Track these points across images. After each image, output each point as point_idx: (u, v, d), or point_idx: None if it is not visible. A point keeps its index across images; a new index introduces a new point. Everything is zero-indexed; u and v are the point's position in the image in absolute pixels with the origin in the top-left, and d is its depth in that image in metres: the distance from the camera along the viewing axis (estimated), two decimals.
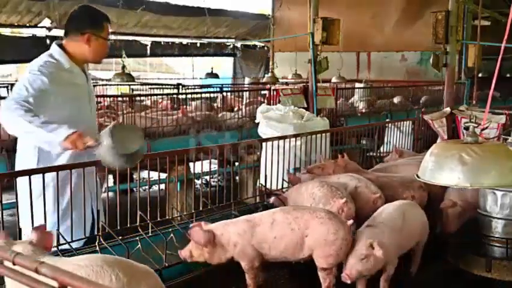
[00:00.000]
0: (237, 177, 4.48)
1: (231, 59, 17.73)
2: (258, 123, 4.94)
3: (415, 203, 3.05)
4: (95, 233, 2.81)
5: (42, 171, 2.62)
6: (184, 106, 6.47)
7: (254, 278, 2.48)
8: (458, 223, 3.26)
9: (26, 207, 2.52)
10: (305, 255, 2.47)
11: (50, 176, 2.65)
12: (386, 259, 2.46)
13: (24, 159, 3.01)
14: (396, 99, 9.75)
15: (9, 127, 2.71)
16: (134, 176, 5.26)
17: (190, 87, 10.45)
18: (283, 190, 3.52)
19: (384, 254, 2.41)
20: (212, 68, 14.36)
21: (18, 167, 3.03)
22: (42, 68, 2.87)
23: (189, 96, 8.21)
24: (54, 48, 3.03)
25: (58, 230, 2.61)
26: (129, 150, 2.52)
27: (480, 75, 8.75)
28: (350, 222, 2.49)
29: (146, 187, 3.20)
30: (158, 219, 2.99)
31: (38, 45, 11.80)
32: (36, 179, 2.54)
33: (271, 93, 7.30)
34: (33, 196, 2.51)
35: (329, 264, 2.42)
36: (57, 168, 2.68)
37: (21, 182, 2.52)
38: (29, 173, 2.55)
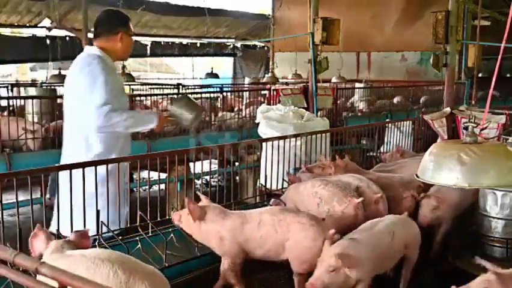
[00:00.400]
0: (237, 177, 4.48)
1: (231, 59, 17.73)
2: (258, 123, 4.94)
3: (410, 220, 2.85)
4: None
5: (70, 167, 2.70)
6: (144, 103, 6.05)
7: (236, 276, 2.47)
8: (432, 217, 3.20)
9: (66, 199, 2.69)
10: (286, 257, 2.47)
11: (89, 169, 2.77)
12: (359, 276, 2.25)
13: (74, 153, 3.35)
14: (396, 99, 9.75)
15: (119, 130, 3.32)
16: (134, 176, 5.26)
17: (190, 87, 10.44)
18: (283, 190, 3.52)
19: (356, 271, 2.20)
20: (212, 68, 14.35)
21: (67, 160, 3.31)
22: (100, 68, 3.28)
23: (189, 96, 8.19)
24: (94, 49, 3.42)
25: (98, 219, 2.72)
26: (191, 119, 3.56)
27: (480, 75, 8.76)
28: (332, 231, 2.38)
29: (146, 187, 3.20)
30: (158, 219, 2.99)
31: (38, 45, 11.83)
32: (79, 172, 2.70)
33: (271, 93, 7.29)
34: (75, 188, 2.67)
35: (303, 270, 2.40)
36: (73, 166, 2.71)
37: (64, 175, 2.78)
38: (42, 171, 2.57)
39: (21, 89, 8.06)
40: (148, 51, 14.51)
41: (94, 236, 2.61)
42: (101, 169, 2.82)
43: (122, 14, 3.64)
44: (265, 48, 16.29)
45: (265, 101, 7.39)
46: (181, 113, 3.57)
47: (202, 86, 10.71)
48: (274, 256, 2.50)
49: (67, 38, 12.21)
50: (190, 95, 3.90)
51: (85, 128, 3.33)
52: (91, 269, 1.77)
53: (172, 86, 9.74)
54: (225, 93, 8.64)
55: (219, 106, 8.15)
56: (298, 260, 2.41)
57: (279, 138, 3.92)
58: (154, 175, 4.30)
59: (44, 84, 6.72)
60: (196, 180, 3.83)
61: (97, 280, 1.56)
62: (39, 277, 1.11)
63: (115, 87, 3.35)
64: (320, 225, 2.45)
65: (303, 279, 2.39)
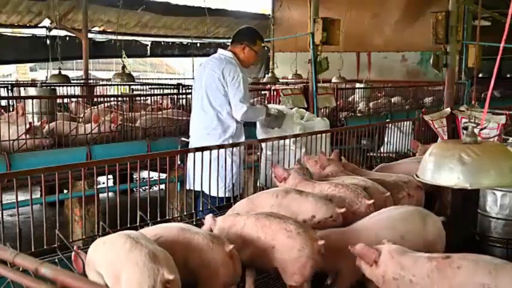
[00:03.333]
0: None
1: None
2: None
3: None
4: None
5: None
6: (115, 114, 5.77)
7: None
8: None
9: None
10: (273, 265, 2.34)
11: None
12: (329, 258, 2.32)
13: (213, 137, 4.15)
14: (394, 99, 9.74)
15: (249, 120, 4.36)
16: (134, 176, 5.26)
17: (190, 87, 10.43)
18: None
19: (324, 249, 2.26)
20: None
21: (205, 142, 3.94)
22: (240, 70, 4.15)
23: (189, 96, 8.18)
24: (228, 53, 4.27)
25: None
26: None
27: (480, 75, 8.76)
28: (322, 242, 2.28)
29: (146, 187, 3.20)
30: (158, 219, 2.99)
31: (38, 45, 11.82)
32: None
33: (272, 93, 7.29)
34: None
35: (295, 282, 2.28)
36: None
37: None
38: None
39: (21, 89, 8.06)
40: (148, 51, 14.50)
41: (93, 236, 2.61)
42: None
43: (253, 32, 4.42)
44: (266, 48, 16.29)
45: (266, 101, 7.38)
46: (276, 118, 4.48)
47: None
48: (261, 264, 2.40)
49: (67, 38, 12.21)
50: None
51: (223, 115, 4.14)
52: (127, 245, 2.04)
53: (172, 86, 9.74)
54: None
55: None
56: (288, 272, 2.29)
57: (279, 138, 3.92)
58: (154, 175, 4.30)
59: (44, 84, 6.70)
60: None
61: None
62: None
63: (247, 85, 4.22)
64: (308, 233, 2.31)
65: None
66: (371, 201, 2.83)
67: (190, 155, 3.69)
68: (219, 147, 3.44)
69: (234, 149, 3.91)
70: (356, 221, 2.70)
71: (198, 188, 3.57)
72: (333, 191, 2.90)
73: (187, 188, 4.10)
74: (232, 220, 2.47)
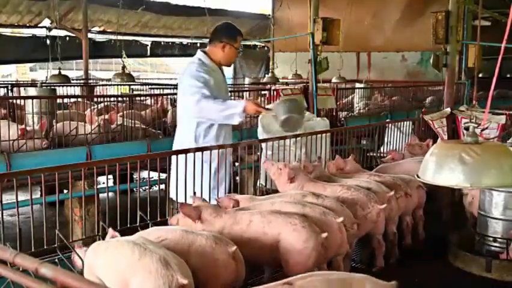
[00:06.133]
0: (237, 177, 4.47)
1: None
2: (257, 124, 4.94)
3: None
4: None
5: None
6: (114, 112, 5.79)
7: None
8: None
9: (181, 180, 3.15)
10: (278, 260, 2.39)
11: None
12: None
13: (183, 141, 3.80)
14: (394, 99, 9.74)
15: (209, 115, 3.72)
16: (134, 176, 5.26)
17: None
18: None
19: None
20: None
21: (176, 146, 3.79)
22: (198, 67, 3.81)
23: None
24: (200, 53, 3.95)
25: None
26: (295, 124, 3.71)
27: (480, 75, 8.75)
28: (325, 234, 2.37)
29: (146, 187, 3.20)
30: (158, 219, 2.99)
31: (38, 45, 11.82)
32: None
33: (272, 94, 7.28)
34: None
35: (296, 272, 2.26)
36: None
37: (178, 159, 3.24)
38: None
39: (21, 89, 8.06)
40: (148, 51, 14.50)
41: (93, 236, 2.61)
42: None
43: (232, 28, 4.10)
44: (266, 48, 16.29)
45: (266, 101, 7.38)
46: (279, 109, 3.69)
47: None
48: (265, 259, 2.44)
49: (67, 38, 12.21)
50: (302, 102, 3.92)
51: (189, 120, 3.83)
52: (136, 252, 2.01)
53: (172, 86, 9.75)
54: None
55: None
56: (291, 263, 2.34)
57: (279, 138, 3.91)
58: (154, 175, 4.30)
59: (44, 84, 6.69)
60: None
61: None
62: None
63: (209, 83, 3.77)
64: (312, 227, 2.38)
65: None
66: (383, 206, 2.83)
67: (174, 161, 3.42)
68: (219, 147, 3.42)
69: (205, 155, 3.37)
70: (366, 227, 2.75)
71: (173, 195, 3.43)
72: (345, 193, 2.90)
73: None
74: (237, 217, 2.50)
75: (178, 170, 3.20)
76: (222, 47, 3.93)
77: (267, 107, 3.97)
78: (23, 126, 5.02)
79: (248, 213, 2.54)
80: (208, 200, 3.02)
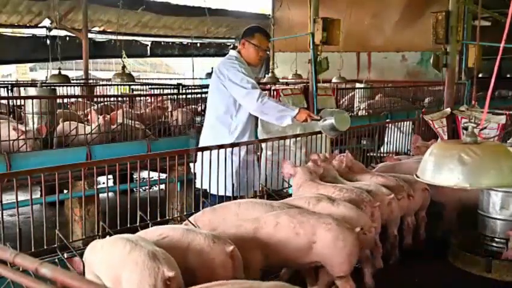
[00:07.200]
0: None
1: None
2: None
3: None
4: None
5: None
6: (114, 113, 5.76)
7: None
8: None
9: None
10: (312, 261, 2.41)
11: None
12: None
13: (216, 133, 3.92)
14: (395, 99, 9.74)
15: (267, 110, 3.80)
16: (134, 176, 5.26)
17: (190, 87, 10.43)
18: (284, 190, 3.52)
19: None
20: (212, 68, 14.28)
21: (209, 139, 3.88)
22: (241, 63, 3.93)
23: (189, 96, 8.19)
24: (232, 53, 4.09)
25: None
26: (341, 128, 3.81)
27: (480, 75, 8.75)
28: (358, 229, 2.43)
29: (146, 187, 3.20)
30: (158, 219, 2.99)
31: (38, 45, 11.82)
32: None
33: (272, 94, 7.28)
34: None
35: (344, 272, 2.36)
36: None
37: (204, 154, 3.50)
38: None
39: (21, 89, 8.06)
40: (148, 51, 14.50)
41: (94, 236, 2.61)
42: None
43: (252, 27, 4.20)
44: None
45: None
46: (327, 120, 3.82)
47: (202, 86, 10.70)
48: (298, 262, 2.44)
49: (67, 38, 12.21)
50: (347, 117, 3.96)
51: (226, 112, 3.93)
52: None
53: (172, 86, 9.75)
54: None
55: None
56: (334, 262, 2.36)
57: (279, 138, 3.91)
58: (154, 175, 4.30)
59: (44, 84, 6.69)
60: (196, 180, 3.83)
61: None
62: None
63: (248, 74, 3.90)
64: (344, 224, 2.43)
65: (348, 281, 2.35)
66: (377, 204, 2.84)
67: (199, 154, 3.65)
68: (219, 147, 3.44)
69: (234, 149, 3.72)
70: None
71: (199, 185, 3.62)
72: (337, 195, 2.91)
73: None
74: (259, 221, 2.47)
75: (210, 164, 3.37)
76: (242, 45, 4.07)
77: (315, 116, 3.96)
78: (21, 127, 5.02)
79: (273, 215, 2.55)
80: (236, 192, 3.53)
